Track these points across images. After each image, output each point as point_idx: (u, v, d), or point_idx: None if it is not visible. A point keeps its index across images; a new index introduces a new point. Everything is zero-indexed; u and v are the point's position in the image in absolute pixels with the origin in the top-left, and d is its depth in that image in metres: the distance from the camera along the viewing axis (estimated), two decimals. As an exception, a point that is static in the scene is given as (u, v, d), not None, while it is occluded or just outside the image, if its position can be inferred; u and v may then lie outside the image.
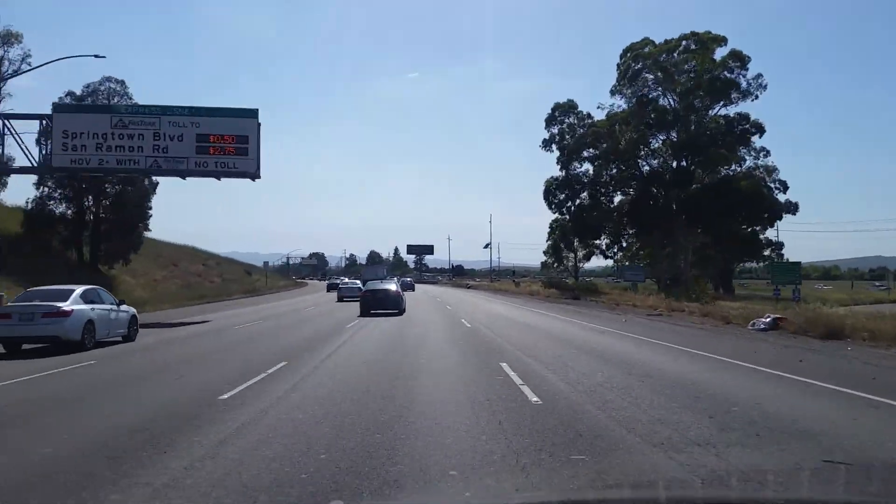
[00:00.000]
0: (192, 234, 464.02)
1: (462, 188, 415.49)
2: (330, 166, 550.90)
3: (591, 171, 58.11)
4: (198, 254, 67.98)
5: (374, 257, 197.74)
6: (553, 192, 59.15)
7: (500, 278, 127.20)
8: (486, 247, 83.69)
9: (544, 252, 74.20)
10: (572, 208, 59.03)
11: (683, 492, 4.58)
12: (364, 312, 28.62)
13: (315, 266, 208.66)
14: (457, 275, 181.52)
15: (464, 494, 4.96)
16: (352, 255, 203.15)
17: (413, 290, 60.78)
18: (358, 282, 52.15)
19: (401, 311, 28.98)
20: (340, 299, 44.02)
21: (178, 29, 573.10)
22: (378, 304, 29.08)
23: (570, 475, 5.10)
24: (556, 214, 61.83)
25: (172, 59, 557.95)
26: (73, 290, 16.60)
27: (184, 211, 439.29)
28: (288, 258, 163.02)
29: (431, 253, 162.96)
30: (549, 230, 68.26)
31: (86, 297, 16.46)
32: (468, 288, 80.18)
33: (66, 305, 15.60)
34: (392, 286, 32.25)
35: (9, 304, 17.42)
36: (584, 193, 58.05)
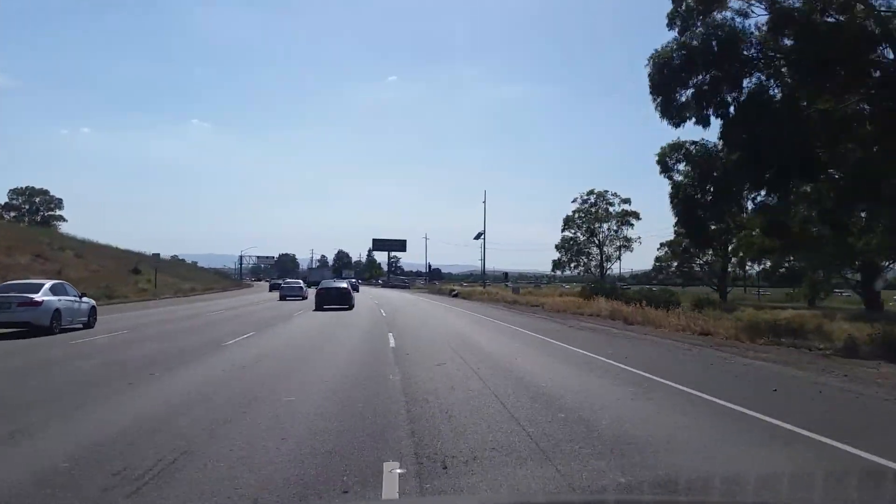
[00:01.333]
0: (163, 238, 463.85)
1: (440, 193, 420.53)
2: (306, 169, 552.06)
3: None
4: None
5: (342, 257, 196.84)
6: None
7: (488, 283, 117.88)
8: (477, 237, 69.05)
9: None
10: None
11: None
12: (318, 307, 32.93)
13: (284, 267, 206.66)
14: (433, 278, 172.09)
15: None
16: (323, 256, 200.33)
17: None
18: (301, 282, 56.93)
19: (350, 307, 33.44)
20: (282, 298, 47.85)
21: (151, 29, 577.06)
22: (331, 300, 33.45)
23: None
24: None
25: (145, 59, 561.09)
26: (43, 284, 19.94)
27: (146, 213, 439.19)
28: (241, 257, 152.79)
29: (404, 249, 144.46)
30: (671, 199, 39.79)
31: (54, 290, 19.79)
32: (453, 295, 59.77)
33: (37, 296, 18.91)
34: (343, 284, 37.26)
35: (-12, 294, 20.60)
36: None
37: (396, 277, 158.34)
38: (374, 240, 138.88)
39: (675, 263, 62.89)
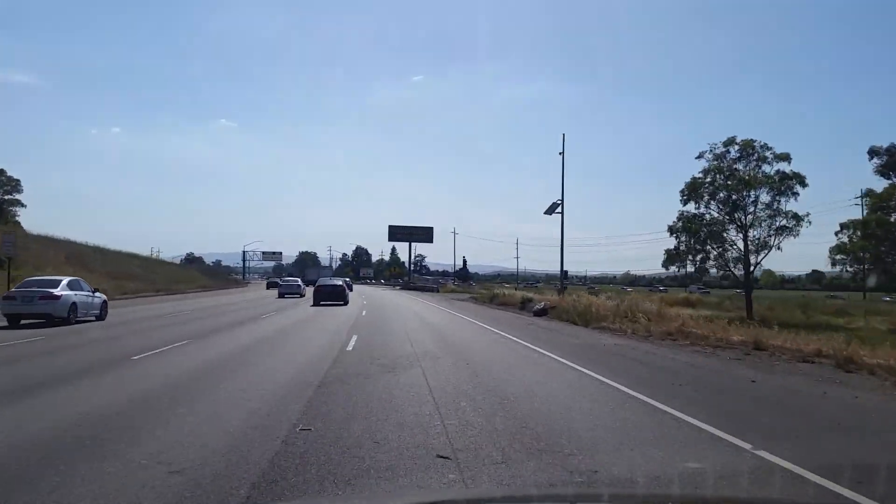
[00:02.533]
0: (186, 237, 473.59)
1: (466, 192, 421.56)
2: (331, 169, 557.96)
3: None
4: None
5: (360, 254, 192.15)
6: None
7: (537, 285, 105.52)
8: (551, 210, 45.44)
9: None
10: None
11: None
12: (316, 303, 36.60)
13: (305, 266, 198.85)
14: (463, 278, 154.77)
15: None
16: (344, 254, 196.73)
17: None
18: (298, 280, 60.10)
19: (345, 302, 37.03)
20: (281, 295, 49.82)
21: (174, 29, 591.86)
22: (327, 297, 37.35)
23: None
24: None
25: (169, 58, 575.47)
26: (61, 280, 22.64)
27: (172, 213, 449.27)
28: (245, 253, 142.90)
29: (429, 240, 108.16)
30: None
31: (71, 286, 22.47)
32: (538, 313, 30.44)
33: (56, 291, 21.59)
34: (339, 282, 42.19)
35: (12, 289, 23.32)
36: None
37: (421, 277, 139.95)
38: (390, 227, 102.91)
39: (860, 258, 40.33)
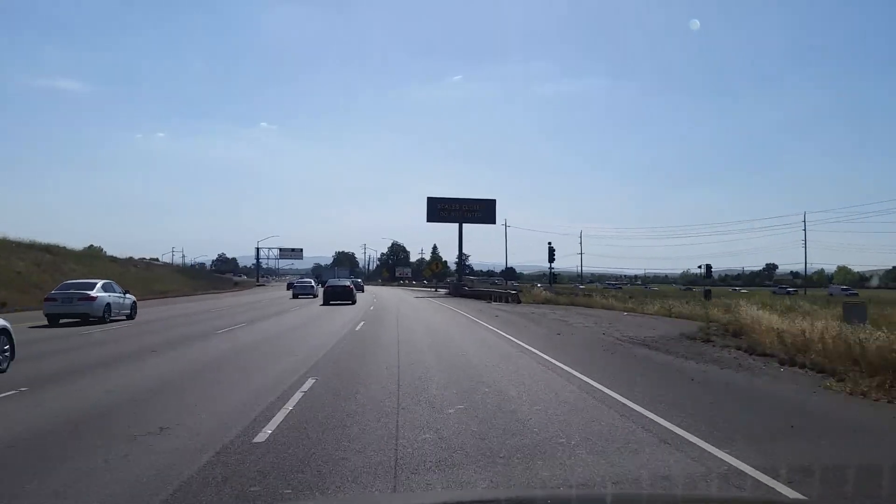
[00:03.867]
0: (231, 239, 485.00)
1: (506, 192, 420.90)
2: (371, 169, 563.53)
3: None
4: None
5: (397, 251, 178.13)
6: None
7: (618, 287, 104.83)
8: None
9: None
10: None
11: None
12: (325, 302, 39.52)
13: (341, 266, 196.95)
14: (509, 279, 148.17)
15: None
16: (382, 254, 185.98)
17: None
18: (311, 281, 63.38)
19: (353, 302, 39.63)
20: (295, 296, 52.00)
21: (210, 30, 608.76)
22: (336, 297, 40.23)
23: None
24: None
25: (205, 60, 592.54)
26: (96, 283, 25.00)
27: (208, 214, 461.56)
28: (258, 251, 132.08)
29: (490, 219, 71.78)
30: None
31: (105, 288, 24.81)
32: None
33: (92, 293, 23.91)
34: (347, 283, 45.82)
35: (52, 291, 25.77)
36: None
37: (469, 279, 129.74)
38: (430, 200, 70.34)
39: None
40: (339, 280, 50.76)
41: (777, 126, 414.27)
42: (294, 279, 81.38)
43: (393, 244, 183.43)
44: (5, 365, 11.64)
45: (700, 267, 63.11)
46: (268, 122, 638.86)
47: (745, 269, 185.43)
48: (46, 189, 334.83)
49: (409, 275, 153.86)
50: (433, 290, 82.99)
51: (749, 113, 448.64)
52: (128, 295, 26.56)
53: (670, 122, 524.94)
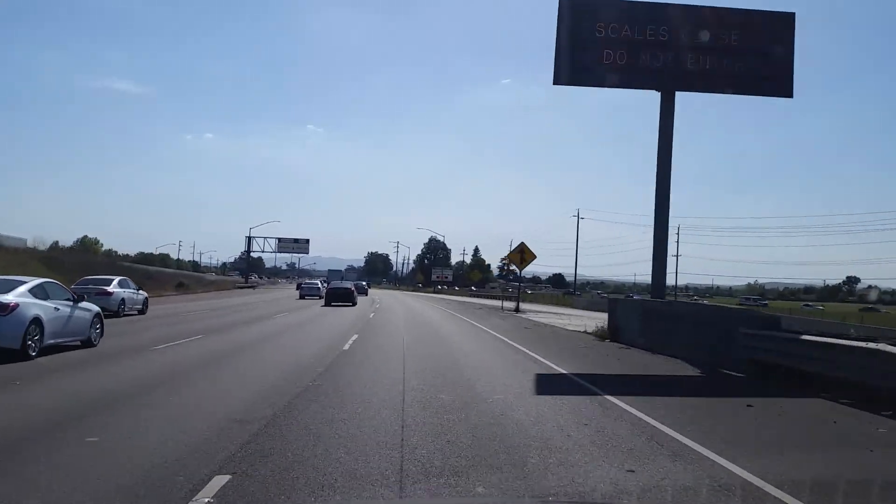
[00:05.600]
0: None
1: (553, 198, 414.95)
2: (417, 174, 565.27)
3: None
4: None
5: (435, 248, 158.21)
6: None
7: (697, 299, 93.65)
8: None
9: None
10: None
11: None
12: (327, 303, 41.16)
13: (373, 268, 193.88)
14: (556, 286, 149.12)
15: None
16: (418, 254, 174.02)
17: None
18: (317, 282, 67.05)
19: (353, 304, 41.31)
20: (302, 297, 54.38)
21: (259, 33, 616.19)
22: (338, 298, 42.08)
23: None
24: None
25: (254, 63, 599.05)
26: (112, 279, 26.99)
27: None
28: (249, 239, 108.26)
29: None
30: None
31: (120, 284, 26.75)
32: None
33: (109, 288, 25.91)
34: (349, 285, 47.58)
35: (72, 286, 27.69)
36: None
37: (518, 285, 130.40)
38: None
39: None
40: (340, 283, 53.92)
41: (839, 133, 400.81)
42: (303, 281, 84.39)
43: (431, 240, 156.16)
44: (97, 341, 15.34)
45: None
46: (315, 125, 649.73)
47: (826, 281, 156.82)
48: (98, 189, 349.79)
49: (450, 278, 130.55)
50: (500, 307, 48.01)
51: (810, 116, 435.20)
52: (140, 291, 28.53)
53: (723, 127, 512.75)
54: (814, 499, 5.47)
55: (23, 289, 13.15)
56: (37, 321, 12.73)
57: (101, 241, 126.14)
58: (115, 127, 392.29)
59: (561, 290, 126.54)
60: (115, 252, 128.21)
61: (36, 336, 12.70)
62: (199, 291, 61.50)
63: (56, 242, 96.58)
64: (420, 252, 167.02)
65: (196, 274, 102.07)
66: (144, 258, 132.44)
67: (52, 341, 13.39)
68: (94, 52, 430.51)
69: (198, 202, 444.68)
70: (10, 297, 12.49)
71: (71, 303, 14.57)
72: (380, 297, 66.29)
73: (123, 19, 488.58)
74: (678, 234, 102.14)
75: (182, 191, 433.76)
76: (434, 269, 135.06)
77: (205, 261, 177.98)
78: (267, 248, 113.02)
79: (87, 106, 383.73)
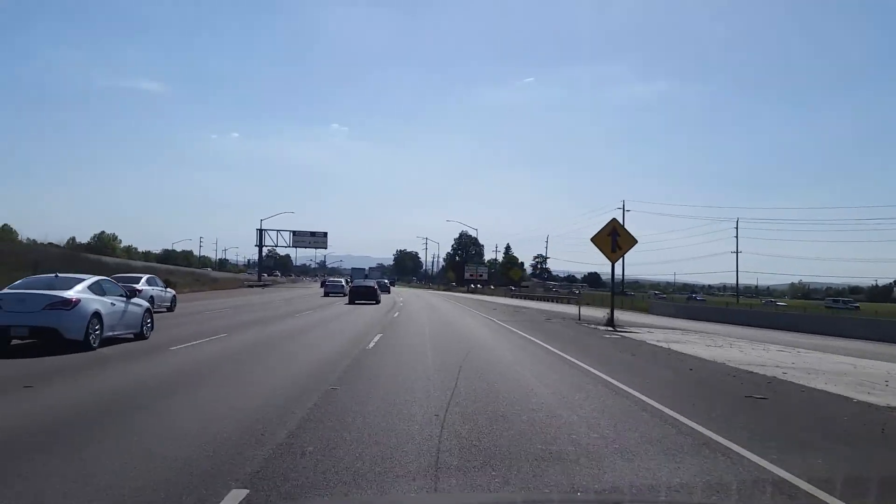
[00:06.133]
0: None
1: (576, 197, 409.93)
2: (439, 173, 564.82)
3: None
4: None
5: (467, 243, 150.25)
6: None
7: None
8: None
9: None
10: None
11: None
12: (351, 301, 42.10)
13: (403, 266, 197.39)
14: (593, 285, 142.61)
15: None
16: (448, 253, 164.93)
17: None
18: (342, 280, 69.03)
19: (377, 301, 42.23)
20: (326, 294, 56.33)
21: (284, 34, 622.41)
22: (361, 296, 43.00)
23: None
24: None
25: (279, 63, 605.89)
26: (141, 277, 28.22)
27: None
28: (261, 232, 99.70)
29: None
30: None
31: (149, 282, 27.66)
32: None
33: (139, 286, 26.99)
34: (372, 283, 48.25)
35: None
36: None
37: (550, 286, 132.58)
38: None
39: None
40: (363, 281, 55.08)
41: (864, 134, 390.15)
42: (327, 279, 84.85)
43: (462, 236, 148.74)
44: (148, 334, 16.45)
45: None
46: (339, 124, 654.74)
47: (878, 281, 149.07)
48: (124, 187, 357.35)
49: (485, 275, 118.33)
50: (576, 316, 34.44)
51: (831, 118, 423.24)
52: (168, 289, 29.70)
53: (745, 127, 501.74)
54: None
55: (82, 286, 14.21)
56: (97, 315, 13.74)
57: (119, 237, 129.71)
58: (142, 127, 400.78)
59: (598, 289, 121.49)
60: (136, 249, 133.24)
61: (97, 329, 13.72)
62: (187, 290, 48.24)
63: (73, 239, 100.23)
64: (451, 248, 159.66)
65: (199, 271, 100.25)
66: (168, 256, 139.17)
67: (109, 333, 14.39)
68: (118, 52, 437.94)
69: (223, 200, 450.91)
70: (72, 293, 13.55)
71: (125, 299, 15.59)
72: (406, 297, 60.13)
73: (146, 20, 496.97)
74: (737, 229, 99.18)
75: (208, 189, 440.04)
76: (467, 266, 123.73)
77: (230, 257, 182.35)
78: (281, 242, 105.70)
79: (112, 105, 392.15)
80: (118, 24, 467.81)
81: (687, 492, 5.28)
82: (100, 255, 72.48)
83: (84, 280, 14.75)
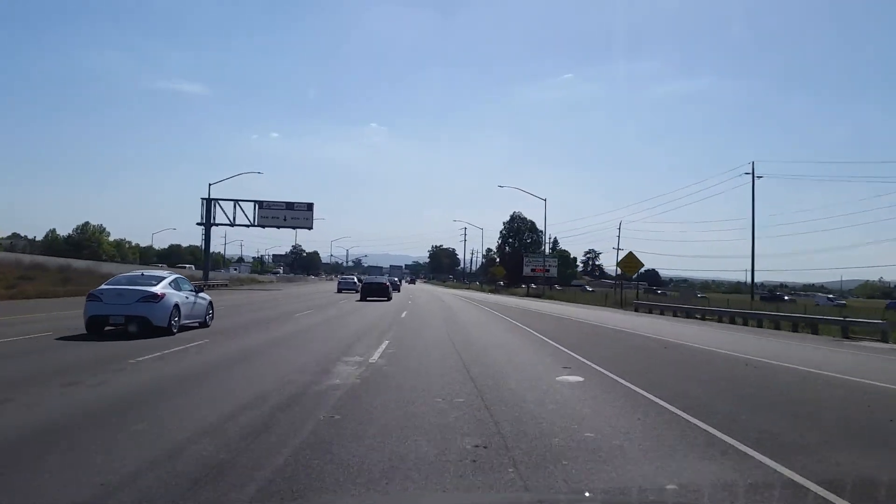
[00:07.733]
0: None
1: (617, 195, 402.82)
2: (479, 171, 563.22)
3: None
4: None
5: (520, 228, 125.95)
6: None
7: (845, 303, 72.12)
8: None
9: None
10: None
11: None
12: (363, 298, 43.89)
13: (438, 263, 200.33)
14: (652, 284, 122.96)
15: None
16: (489, 249, 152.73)
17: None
18: (354, 277, 72.62)
19: (388, 298, 44.09)
20: (339, 290, 60.30)
21: (323, 33, 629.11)
22: (373, 293, 44.54)
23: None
24: None
25: (318, 63, 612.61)
26: (164, 277, 32.28)
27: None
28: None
29: None
30: None
31: (173, 285, 32.05)
32: None
33: (157, 289, 31.37)
34: (384, 280, 50.60)
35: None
36: None
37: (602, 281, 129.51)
38: None
39: None
40: (375, 278, 57.01)
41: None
42: (341, 276, 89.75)
43: (513, 218, 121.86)
44: (210, 323, 20.22)
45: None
46: (378, 123, 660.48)
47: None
48: (162, 188, 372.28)
49: (552, 272, 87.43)
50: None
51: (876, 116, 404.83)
52: (201, 294, 33.36)
53: (796, 122, 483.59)
54: None
55: (165, 282, 18.24)
56: (177, 307, 17.68)
57: (107, 230, 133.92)
58: (182, 127, 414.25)
59: (658, 288, 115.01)
60: (128, 242, 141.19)
61: (176, 318, 17.58)
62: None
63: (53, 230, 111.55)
64: (500, 236, 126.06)
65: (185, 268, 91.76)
66: (171, 251, 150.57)
67: (185, 321, 18.38)
68: (159, 53, 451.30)
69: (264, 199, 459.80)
70: (158, 289, 17.51)
71: (194, 293, 19.58)
72: (422, 309, 36.13)
73: (186, 22, 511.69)
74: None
75: (245, 188, 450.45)
76: (527, 257, 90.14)
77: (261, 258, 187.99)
78: (240, 219, 70.48)
79: (152, 107, 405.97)
80: (161, 27, 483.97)
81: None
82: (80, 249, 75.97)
83: (166, 278, 18.84)
